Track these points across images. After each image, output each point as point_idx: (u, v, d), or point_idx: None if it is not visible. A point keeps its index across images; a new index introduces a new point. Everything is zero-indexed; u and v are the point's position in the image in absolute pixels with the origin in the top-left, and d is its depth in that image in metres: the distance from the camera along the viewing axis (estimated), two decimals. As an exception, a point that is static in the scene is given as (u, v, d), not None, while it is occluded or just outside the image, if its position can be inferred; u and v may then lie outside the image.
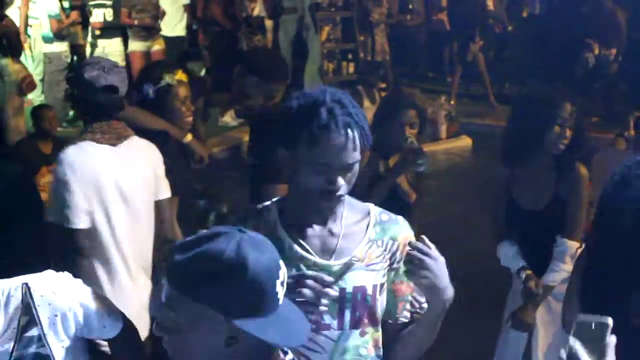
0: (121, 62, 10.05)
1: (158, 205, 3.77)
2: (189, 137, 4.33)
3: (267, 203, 2.42)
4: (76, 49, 10.85)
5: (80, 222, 3.46)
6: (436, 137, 10.25)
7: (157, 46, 10.25)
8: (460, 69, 12.07)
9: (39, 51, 10.28)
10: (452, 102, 11.26)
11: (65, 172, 3.46)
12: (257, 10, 11.46)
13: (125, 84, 3.65)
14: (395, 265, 2.42)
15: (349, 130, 2.23)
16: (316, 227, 2.36)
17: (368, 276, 2.37)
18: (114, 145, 3.56)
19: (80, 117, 5.15)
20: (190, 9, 11.06)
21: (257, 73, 4.17)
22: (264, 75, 4.17)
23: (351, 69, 12.28)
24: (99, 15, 10.24)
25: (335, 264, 2.34)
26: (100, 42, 10.37)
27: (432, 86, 12.58)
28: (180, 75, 4.26)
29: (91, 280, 3.29)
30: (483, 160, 8.91)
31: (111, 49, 10.18)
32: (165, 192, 3.81)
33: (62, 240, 3.42)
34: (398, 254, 2.42)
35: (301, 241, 2.34)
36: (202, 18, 11.06)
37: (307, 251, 2.34)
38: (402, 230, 2.45)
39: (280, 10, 11.52)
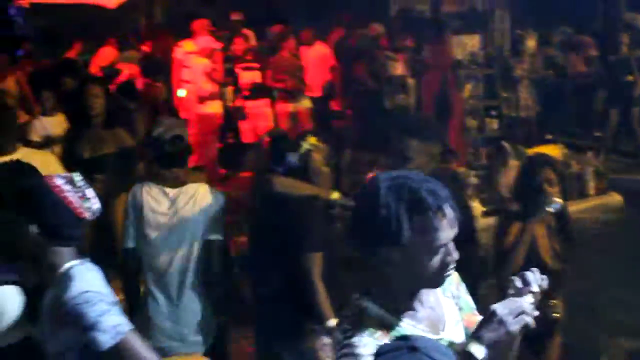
0: (270, 123, 10.41)
1: (206, 244, 4.33)
2: (335, 195, 4.46)
3: (371, 308, 2.37)
4: (229, 109, 11.26)
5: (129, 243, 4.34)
6: (584, 194, 9.99)
7: (303, 106, 10.52)
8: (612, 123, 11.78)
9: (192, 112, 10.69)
10: (600, 158, 10.97)
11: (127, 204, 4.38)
12: (400, 69, 11.58)
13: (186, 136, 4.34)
14: (457, 302, 2.52)
15: (450, 205, 2.29)
16: (422, 309, 2.40)
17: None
18: (170, 187, 4.32)
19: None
20: (334, 69, 11.33)
21: (417, 135, 4.27)
22: (424, 138, 4.27)
23: (495, 126, 12.19)
24: (248, 77, 10.64)
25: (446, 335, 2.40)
26: (248, 103, 10.74)
27: (579, 141, 12.31)
28: (314, 140, 4.49)
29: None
30: (636, 220, 8.58)
31: (259, 109, 10.53)
32: (215, 235, 4.35)
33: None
34: (454, 290, 2.52)
35: (419, 326, 2.37)
36: (346, 78, 11.30)
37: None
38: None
39: (423, 69, 11.62)
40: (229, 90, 11.51)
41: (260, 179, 4.78)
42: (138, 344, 2.81)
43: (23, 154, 4.91)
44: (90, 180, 5.47)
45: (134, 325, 2.88)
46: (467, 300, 2.54)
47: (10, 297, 2.69)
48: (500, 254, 4.42)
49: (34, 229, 2.87)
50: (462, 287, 2.57)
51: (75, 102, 6.14)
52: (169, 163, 4.33)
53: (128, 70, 11.14)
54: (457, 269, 2.40)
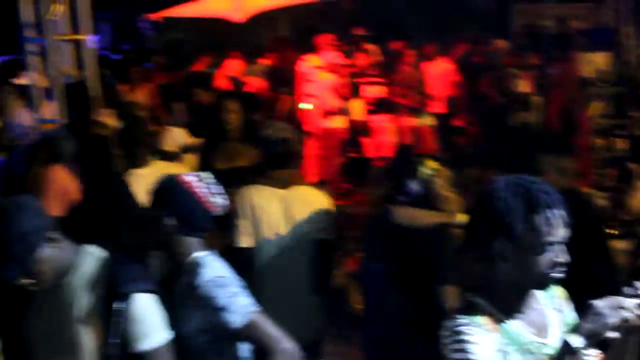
0: (393, 138, 10.40)
1: (319, 242, 4.48)
2: (460, 217, 4.41)
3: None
4: (354, 123, 11.30)
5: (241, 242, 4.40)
6: None
7: (426, 122, 10.48)
8: None
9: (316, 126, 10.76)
10: None
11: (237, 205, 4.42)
12: (523, 85, 11.40)
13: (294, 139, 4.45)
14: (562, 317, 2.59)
15: (562, 207, 2.39)
16: (529, 312, 2.49)
17: None
18: (280, 189, 4.43)
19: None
20: (457, 85, 11.26)
21: (551, 150, 4.23)
22: (558, 152, 4.23)
23: (623, 145, 11.83)
24: (372, 92, 10.66)
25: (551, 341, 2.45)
26: (372, 118, 10.75)
27: None
28: (435, 164, 4.41)
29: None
30: None
31: (383, 125, 10.54)
32: (324, 234, 4.50)
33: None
34: (561, 305, 2.61)
35: (528, 328, 2.46)
36: (470, 94, 11.20)
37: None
38: None
39: (549, 86, 11.42)
40: (354, 105, 11.57)
41: (380, 209, 4.70)
42: (267, 323, 3.04)
43: (157, 167, 5.01)
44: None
45: None
46: (573, 316, 2.58)
47: (150, 305, 2.79)
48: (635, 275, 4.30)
49: (171, 221, 3.12)
50: (569, 305, 2.64)
51: (209, 114, 6.26)
52: (278, 164, 4.45)
53: (253, 83, 11.31)
54: (587, 287, 2.48)
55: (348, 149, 11.26)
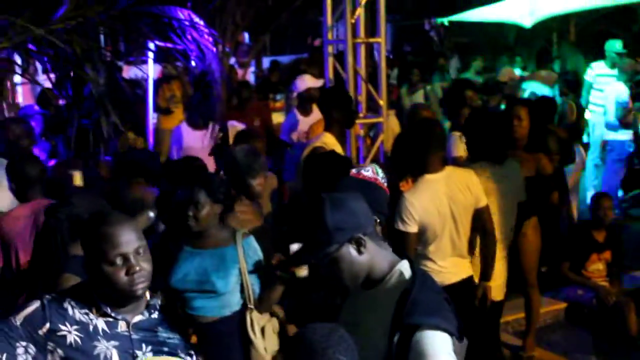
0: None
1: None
2: None
3: None
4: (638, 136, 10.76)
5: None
6: None
7: None
8: None
9: (599, 137, 10.37)
10: None
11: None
12: None
13: None
14: None
15: None
16: None
17: None
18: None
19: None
20: None
21: None
22: None
23: None
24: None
25: None
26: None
27: None
28: None
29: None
30: None
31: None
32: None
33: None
34: None
35: None
36: None
37: None
38: None
39: None
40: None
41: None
42: None
43: (449, 171, 5.05)
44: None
45: None
46: None
47: (440, 345, 2.57)
48: None
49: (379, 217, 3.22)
50: None
51: (496, 120, 6.20)
52: None
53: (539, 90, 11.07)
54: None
55: (633, 161, 10.77)
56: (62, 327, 2.72)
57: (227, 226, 4.27)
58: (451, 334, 2.58)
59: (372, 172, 3.76)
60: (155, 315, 2.89)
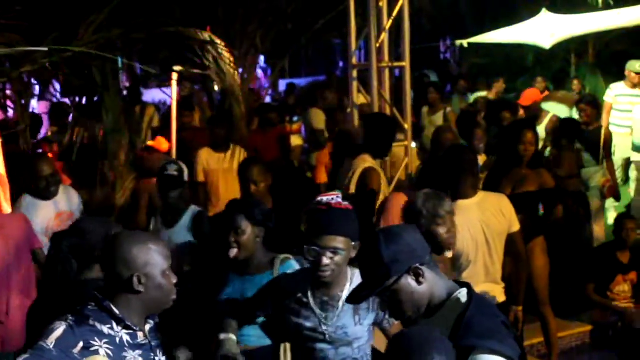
0: None
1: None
2: None
3: None
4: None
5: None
6: None
7: None
8: None
9: (620, 157, 10.32)
10: None
11: None
12: None
13: None
14: None
15: None
16: None
17: None
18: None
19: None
20: None
21: None
22: None
23: None
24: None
25: None
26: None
27: None
28: None
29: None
30: None
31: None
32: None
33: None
34: None
35: None
36: None
37: None
38: None
39: None
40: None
41: None
42: None
43: (482, 196, 5.07)
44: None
45: None
46: None
47: None
48: None
49: None
50: None
51: (504, 141, 6.24)
52: None
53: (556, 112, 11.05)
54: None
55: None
56: (94, 343, 2.82)
57: (269, 252, 4.14)
58: (508, 359, 2.56)
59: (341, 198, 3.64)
60: (150, 321, 3.03)
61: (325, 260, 3.43)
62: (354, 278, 3.54)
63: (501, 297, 5.09)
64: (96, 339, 2.82)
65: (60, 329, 2.78)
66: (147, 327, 2.99)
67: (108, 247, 2.92)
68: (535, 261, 6.00)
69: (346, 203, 3.56)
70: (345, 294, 3.51)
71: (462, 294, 2.75)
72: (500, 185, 5.94)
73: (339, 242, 3.45)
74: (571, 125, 8.23)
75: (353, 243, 3.48)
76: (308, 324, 3.57)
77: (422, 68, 16.22)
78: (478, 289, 4.86)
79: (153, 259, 2.88)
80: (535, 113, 10.49)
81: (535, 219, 5.98)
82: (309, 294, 3.58)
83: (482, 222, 4.94)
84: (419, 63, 18.32)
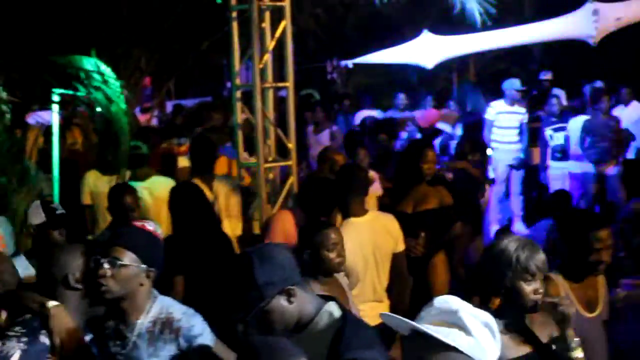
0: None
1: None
2: None
3: None
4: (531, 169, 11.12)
5: None
6: None
7: (614, 170, 10.11)
8: None
9: (503, 173, 10.66)
10: None
11: None
12: None
13: None
14: None
15: None
16: None
17: None
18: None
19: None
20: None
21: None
22: None
23: None
24: (558, 139, 10.40)
25: None
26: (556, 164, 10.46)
27: None
28: None
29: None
30: None
31: (568, 171, 10.31)
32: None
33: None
34: None
35: None
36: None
37: None
38: None
39: None
40: (535, 151, 11.38)
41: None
42: None
43: (372, 215, 5.15)
44: (414, 235, 5.70)
45: None
46: None
47: None
48: None
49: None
50: None
51: (405, 160, 6.34)
52: None
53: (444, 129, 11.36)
54: None
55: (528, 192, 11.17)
56: None
57: None
58: None
59: (153, 226, 3.61)
60: None
61: (102, 271, 3.26)
62: (151, 310, 3.39)
63: (386, 315, 5.14)
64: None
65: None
66: None
67: None
68: (436, 277, 6.11)
69: (152, 228, 3.50)
70: (140, 322, 3.37)
71: (333, 308, 2.83)
72: (401, 203, 6.04)
73: (123, 254, 3.29)
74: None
75: (144, 266, 3.32)
76: (109, 351, 3.42)
77: (308, 87, 16.38)
78: (364, 307, 4.98)
79: None
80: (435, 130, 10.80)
81: (436, 236, 6.08)
82: (109, 321, 3.43)
83: (373, 241, 5.03)
84: (306, 83, 18.52)
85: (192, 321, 3.38)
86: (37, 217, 4.70)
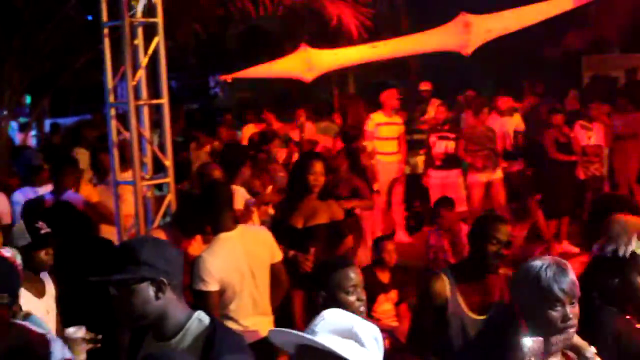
0: (461, 194, 10.40)
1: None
2: None
3: None
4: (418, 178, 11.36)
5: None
6: None
7: (496, 177, 10.43)
8: None
9: (386, 182, 10.81)
10: None
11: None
12: (594, 139, 11.25)
13: None
14: None
15: None
16: None
17: None
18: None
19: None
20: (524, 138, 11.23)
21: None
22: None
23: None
24: (441, 147, 10.68)
25: None
26: (439, 173, 10.75)
27: None
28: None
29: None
30: None
31: (450, 180, 10.56)
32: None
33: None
34: None
35: None
36: (536, 147, 11.11)
37: None
38: None
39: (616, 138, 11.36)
40: (419, 160, 11.63)
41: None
42: None
43: (242, 229, 5.14)
44: (304, 250, 5.69)
45: None
46: None
47: None
48: None
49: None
50: None
51: (294, 173, 6.31)
52: None
53: (323, 142, 11.43)
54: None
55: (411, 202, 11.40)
56: None
57: None
58: None
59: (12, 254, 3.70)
60: None
61: None
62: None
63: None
64: None
65: None
66: None
67: None
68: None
69: (9, 255, 3.64)
70: None
71: (202, 316, 2.92)
72: (291, 217, 5.97)
73: None
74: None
75: None
76: None
77: (192, 103, 16.29)
78: (247, 322, 4.96)
79: None
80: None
81: (330, 251, 6.00)
82: None
83: (245, 252, 5.00)
84: (189, 98, 18.41)
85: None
86: (21, 239, 4.60)
